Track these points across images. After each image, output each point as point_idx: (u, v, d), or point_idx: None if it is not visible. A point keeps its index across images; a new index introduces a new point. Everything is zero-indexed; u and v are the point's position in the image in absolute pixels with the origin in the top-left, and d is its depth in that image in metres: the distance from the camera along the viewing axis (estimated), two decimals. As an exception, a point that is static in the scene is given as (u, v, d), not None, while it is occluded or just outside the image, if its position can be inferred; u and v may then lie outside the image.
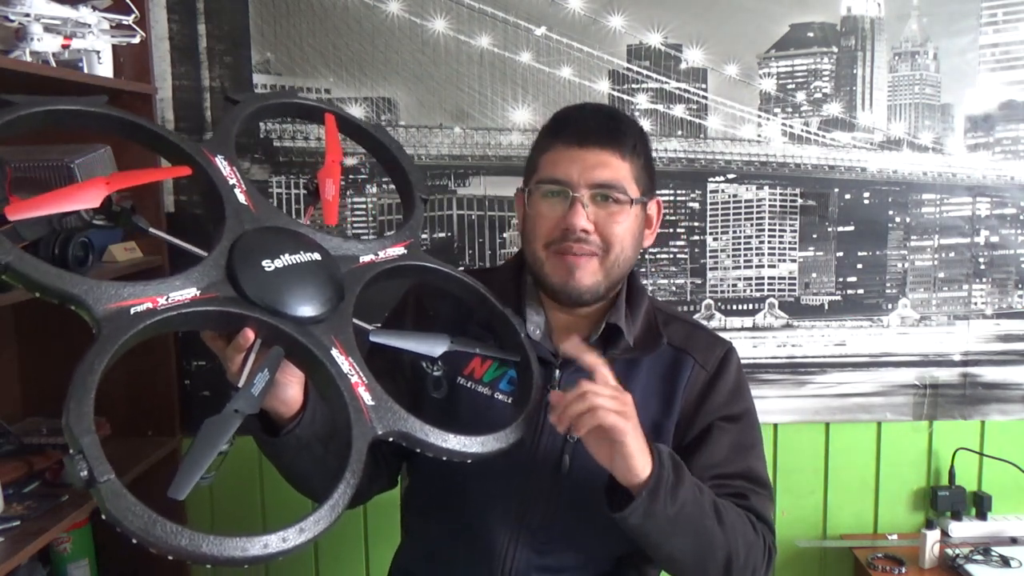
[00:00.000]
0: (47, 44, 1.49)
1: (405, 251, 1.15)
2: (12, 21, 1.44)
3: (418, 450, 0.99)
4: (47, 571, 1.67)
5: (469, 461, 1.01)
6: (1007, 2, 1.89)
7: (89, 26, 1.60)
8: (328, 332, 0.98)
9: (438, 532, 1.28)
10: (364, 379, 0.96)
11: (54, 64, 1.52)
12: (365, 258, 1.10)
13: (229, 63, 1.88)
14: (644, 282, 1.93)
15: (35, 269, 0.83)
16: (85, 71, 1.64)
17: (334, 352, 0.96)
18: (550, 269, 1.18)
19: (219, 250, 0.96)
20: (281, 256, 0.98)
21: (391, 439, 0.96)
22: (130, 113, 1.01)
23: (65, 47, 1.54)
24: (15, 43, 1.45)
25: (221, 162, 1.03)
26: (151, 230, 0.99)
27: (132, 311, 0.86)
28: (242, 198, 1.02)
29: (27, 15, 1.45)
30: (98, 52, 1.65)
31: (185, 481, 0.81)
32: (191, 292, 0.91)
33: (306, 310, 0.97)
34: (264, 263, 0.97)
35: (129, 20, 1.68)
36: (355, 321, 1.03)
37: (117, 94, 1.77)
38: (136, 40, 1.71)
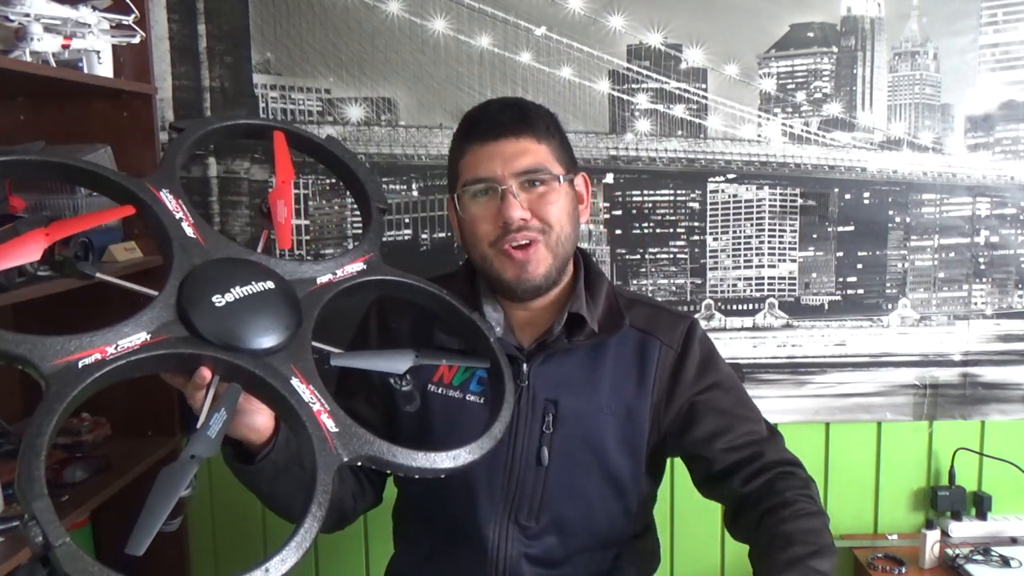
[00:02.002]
0: (47, 44, 1.49)
1: (364, 266, 1.12)
2: (12, 21, 1.44)
3: (389, 472, 0.98)
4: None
5: (443, 476, 0.99)
6: (1007, 2, 1.89)
7: (89, 26, 1.60)
8: (287, 361, 0.96)
9: (430, 536, 1.29)
10: (327, 406, 0.94)
11: (54, 64, 1.52)
12: (322, 279, 1.07)
13: (229, 63, 1.88)
14: (645, 282, 1.93)
15: None
16: (85, 71, 1.64)
17: (294, 381, 0.94)
18: (500, 268, 1.19)
19: (168, 289, 0.94)
20: (232, 289, 0.96)
21: (359, 463, 0.94)
22: (67, 157, 0.98)
23: (65, 47, 1.54)
24: (15, 43, 1.45)
25: (167, 196, 1.01)
26: (98, 275, 0.96)
27: (80, 364, 0.84)
28: (190, 231, 1.00)
29: (27, 15, 1.45)
30: (98, 52, 1.65)
31: (143, 536, 0.79)
32: (141, 337, 0.89)
33: (262, 342, 0.94)
34: (215, 298, 0.94)
35: (129, 20, 1.68)
36: (317, 344, 1.00)
37: (117, 94, 1.77)
38: (136, 40, 1.71)
